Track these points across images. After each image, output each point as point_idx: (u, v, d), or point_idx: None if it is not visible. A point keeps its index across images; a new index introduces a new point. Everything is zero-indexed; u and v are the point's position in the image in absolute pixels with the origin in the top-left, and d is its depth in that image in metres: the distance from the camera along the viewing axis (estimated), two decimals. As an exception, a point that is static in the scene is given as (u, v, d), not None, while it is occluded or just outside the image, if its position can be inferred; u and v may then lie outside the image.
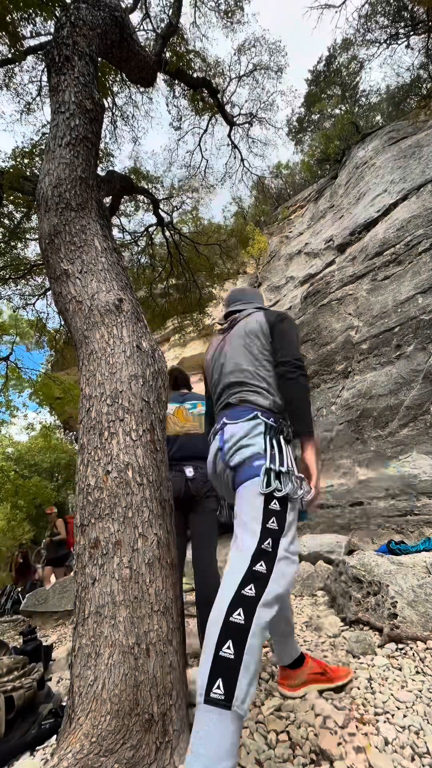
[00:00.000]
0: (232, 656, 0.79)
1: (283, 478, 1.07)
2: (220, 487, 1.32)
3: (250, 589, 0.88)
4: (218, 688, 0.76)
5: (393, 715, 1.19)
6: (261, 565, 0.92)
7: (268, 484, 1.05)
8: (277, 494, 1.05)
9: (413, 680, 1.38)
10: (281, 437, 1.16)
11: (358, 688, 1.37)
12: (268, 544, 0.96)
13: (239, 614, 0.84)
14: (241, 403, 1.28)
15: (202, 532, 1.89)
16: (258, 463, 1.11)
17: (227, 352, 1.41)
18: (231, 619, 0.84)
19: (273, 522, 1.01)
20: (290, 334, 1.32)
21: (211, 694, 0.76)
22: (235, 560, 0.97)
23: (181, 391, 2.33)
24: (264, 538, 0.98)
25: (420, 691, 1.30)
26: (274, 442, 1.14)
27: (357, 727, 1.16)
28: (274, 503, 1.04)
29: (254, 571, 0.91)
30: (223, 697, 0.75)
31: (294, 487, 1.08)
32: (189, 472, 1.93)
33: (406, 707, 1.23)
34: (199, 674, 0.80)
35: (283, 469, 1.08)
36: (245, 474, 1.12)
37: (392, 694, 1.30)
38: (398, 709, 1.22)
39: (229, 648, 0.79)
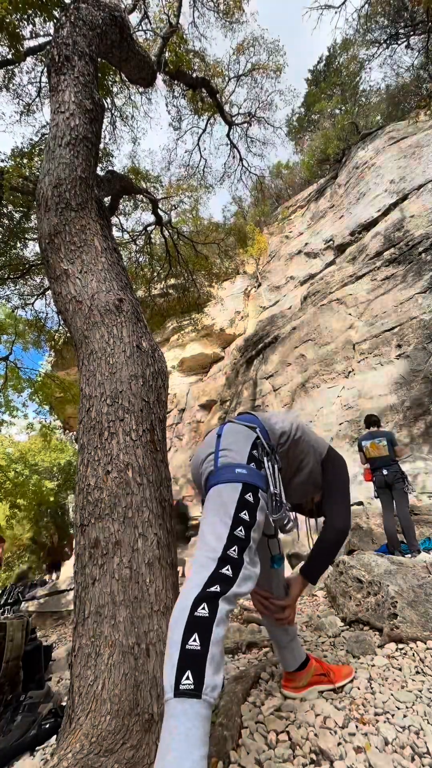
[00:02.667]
0: (199, 647, 0.80)
1: (270, 499, 1.09)
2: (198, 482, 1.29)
3: (216, 587, 0.90)
4: (187, 679, 0.76)
5: (393, 715, 1.19)
6: (227, 569, 0.92)
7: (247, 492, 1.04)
8: (274, 518, 1.09)
9: (413, 680, 1.38)
10: (270, 460, 1.16)
11: (358, 688, 1.37)
12: (234, 551, 0.95)
13: (203, 608, 0.86)
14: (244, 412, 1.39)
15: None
16: (240, 471, 1.08)
17: None
18: (196, 613, 0.85)
19: (240, 531, 0.98)
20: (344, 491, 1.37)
21: (181, 686, 0.76)
22: (201, 560, 0.97)
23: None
24: (230, 544, 0.96)
25: (420, 691, 1.30)
26: (266, 460, 1.14)
27: (357, 727, 1.16)
28: (245, 513, 1.01)
29: (220, 573, 0.92)
30: (192, 687, 0.75)
31: (278, 508, 1.10)
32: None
33: (406, 707, 1.23)
34: (165, 674, 0.81)
35: (275, 491, 1.10)
36: (223, 476, 1.08)
37: (392, 694, 1.30)
38: (398, 709, 1.22)
39: (195, 641, 0.81)
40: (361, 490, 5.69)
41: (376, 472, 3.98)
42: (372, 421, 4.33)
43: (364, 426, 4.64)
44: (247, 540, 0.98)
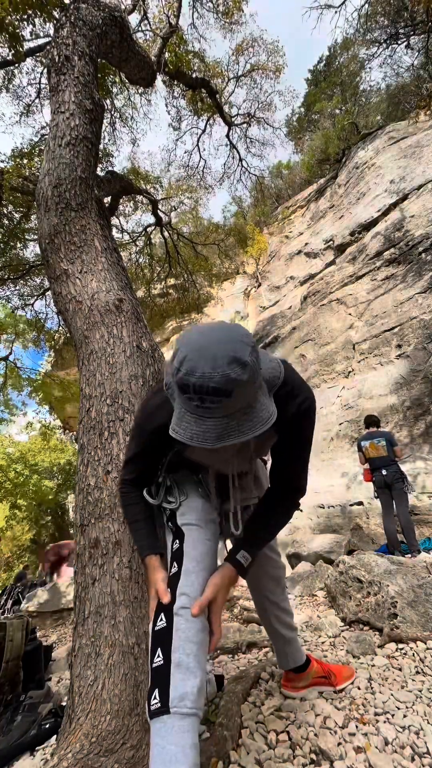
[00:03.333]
0: (162, 662, 0.76)
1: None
2: None
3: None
4: (154, 698, 0.73)
5: (393, 715, 1.19)
6: (174, 566, 0.92)
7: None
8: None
9: (413, 680, 1.38)
10: None
11: (358, 688, 1.37)
12: (176, 543, 0.96)
13: (161, 619, 0.82)
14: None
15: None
16: None
17: None
18: (156, 628, 0.82)
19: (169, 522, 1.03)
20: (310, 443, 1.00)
21: (151, 708, 0.72)
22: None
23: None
24: (173, 540, 0.98)
25: (420, 691, 1.30)
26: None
27: (357, 727, 1.16)
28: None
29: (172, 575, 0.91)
30: (159, 704, 0.71)
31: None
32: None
33: (406, 707, 1.23)
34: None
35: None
36: None
37: (392, 694, 1.30)
38: (398, 709, 1.22)
39: (158, 656, 0.77)
40: (361, 490, 5.69)
41: (375, 472, 3.99)
42: (371, 421, 4.34)
43: (363, 426, 4.64)
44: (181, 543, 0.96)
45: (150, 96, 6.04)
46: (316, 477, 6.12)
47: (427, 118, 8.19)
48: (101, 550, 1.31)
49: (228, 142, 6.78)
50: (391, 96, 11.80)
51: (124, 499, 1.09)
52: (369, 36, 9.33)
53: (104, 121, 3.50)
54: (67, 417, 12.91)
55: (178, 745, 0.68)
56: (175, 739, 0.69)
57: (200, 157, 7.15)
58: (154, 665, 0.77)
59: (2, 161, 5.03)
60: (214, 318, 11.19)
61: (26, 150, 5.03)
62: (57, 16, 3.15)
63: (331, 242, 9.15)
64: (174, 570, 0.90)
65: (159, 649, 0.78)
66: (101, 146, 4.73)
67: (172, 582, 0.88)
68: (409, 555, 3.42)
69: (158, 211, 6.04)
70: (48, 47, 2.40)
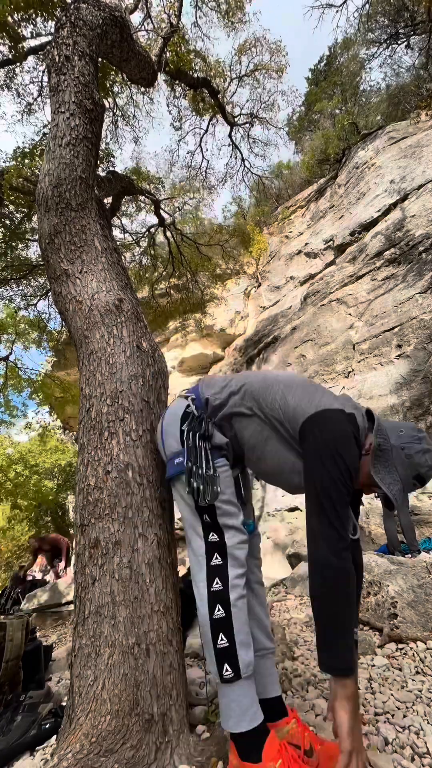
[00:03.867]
0: (227, 644, 0.95)
1: (205, 483, 1.03)
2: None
3: (217, 583, 0.99)
4: (226, 670, 0.94)
5: (393, 715, 1.19)
6: (216, 558, 1.02)
7: (193, 492, 1.03)
8: (202, 504, 1.04)
9: (413, 680, 1.38)
10: (197, 432, 1.08)
11: (358, 688, 1.37)
12: (213, 535, 1.04)
13: (218, 610, 0.97)
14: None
15: None
16: (178, 460, 1.11)
17: None
18: (214, 616, 0.97)
19: (206, 517, 1.07)
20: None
21: (224, 676, 0.94)
22: (194, 563, 1.08)
23: None
24: (207, 533, 1.06)
25: (420, 691, 1.30)
26: (190, 435, 1.08)
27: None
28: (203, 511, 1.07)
29: (212, 566, 1.01)
30: (232, 675, 0.94)
31: (215, 492, 1.03)
32: None
33: (406, 707, 1.23)
34: (209, 664, 0.99)
35: (207, 473, 1.03)
36: (171, 469, 1.14)
37: (392, 694, 1.30)
38: (398, 709, 1.22)
39: (222, 639, 0.96)
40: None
41: None
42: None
43: None
44: (215, 525, 1.04)
45: (153, 94, 6.04)
46: (316, 477, 6.08)
47: (427, 118, 8.18)
48: (101, 550, 1.31)
49: (230, 143, 6.78)
50: (391, 96, 11.78)
51: (348, 569, 0.85)
52: (369, 36, 9.33)
53: (106, 119, 3.50)
54: (67, 417, 12.91)
55: (253, 698, 0.96)
56: (250, 693, 0.95)
57: (203, 157, 7.11)
58: (220, 646, 0.95)
59: (3, 161, 5.03)
60: (215, 317, 11.18)
61: (27, 150, 5.03)
62: (58, 15, 3.15)
63: (331, 242, 9.14)
64: (218, 562, 1.01)
65: (221, 633, 0.96)
66: (103, 146, 4.73)
67: (217, 569, 1.00)
68: (409, 555, 3.42)
69: (161, 211, 6.04)
70: (48, 47, 2.39)
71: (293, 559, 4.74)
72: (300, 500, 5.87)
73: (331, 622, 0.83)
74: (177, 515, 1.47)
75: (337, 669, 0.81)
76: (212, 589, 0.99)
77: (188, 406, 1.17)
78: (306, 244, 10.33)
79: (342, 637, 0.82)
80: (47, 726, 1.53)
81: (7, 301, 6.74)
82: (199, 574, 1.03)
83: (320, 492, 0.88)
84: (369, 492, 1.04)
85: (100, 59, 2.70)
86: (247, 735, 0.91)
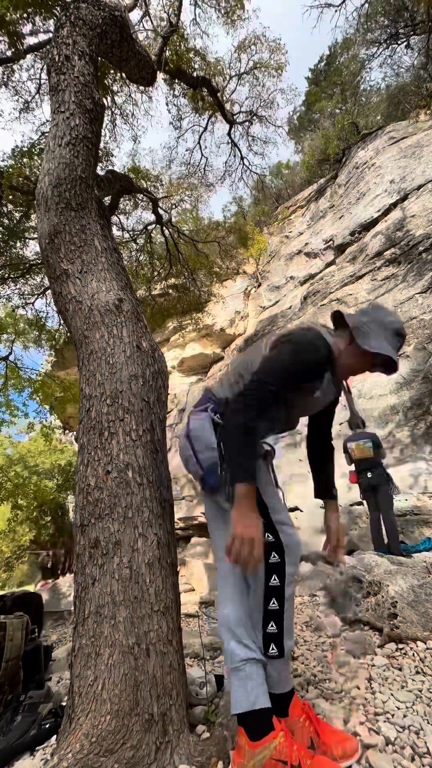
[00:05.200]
0: (276, 630, 1.08)
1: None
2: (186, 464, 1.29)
3: (275, 579, 1.08)
4: (272, 649, 1.07)
5: (393, 715, 1.19)
6: (274, 557, 1.09)
7: (228, 496, 1.11)
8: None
9: (413, 680, 1.38)
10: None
11: (358, 688, 1.37)
12: (269, 536, 1.09)
13: (273, 603, 1.08)
14: (204, 391, 1.34)
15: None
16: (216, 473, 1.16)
17: None
18: (269, 608, 1.08)
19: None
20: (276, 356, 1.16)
21: (270, 653, 1.07)
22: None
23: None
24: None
25: (420, 691, 1.30)
26: (221, 443, 1.15)
27: (357, 727, 1.16)
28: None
29: (270, 563, 1.08)
30: (277, 653, 1.07)
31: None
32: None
33: (406, 707, 1.23)
34: (256, 639, 1.10)
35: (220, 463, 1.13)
36: (211, 481, 1.16)
37: (392, 694, 1.30)
38: (398, 709, 1.22)
39: (272, 626, 1.08)
40: (358, 491, 5.69)
41: (361, 474, 3.92)
42: (357, 422, 4.29)
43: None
44: (269, 524, 1.09)
45: (151, 93, 6.02)
46: (315, 477, 6.09)
47: (427, 118, 8.18)
48: (101, 550, 1.31)
49: (229, 140, 6.77)
50: (391, 96, 11.77)
51: (252, 429, 1.06)
52: (369, 36, 9.31)
53: (105, 118, 3.50)
54: (67, 417, 12.90)
55: (290, 672, 1.17)
56: (288, 668, 1.15)
57: (202, 154, 7.09)
58: (269, 631, 1.08)
59: (2, 160, 5.02)
60: (215, 317, 11.18)
61: (26, 149, 5.02)
62: (57, 13, 3.14)
63: (331, 242, 9.14)
64: (275, 560, 1.09)
65: (272, 621, 1.08)
66: (102, 145, 4.72)
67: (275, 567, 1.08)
68: (406, 552, 3.41)
69: (159, 209, 6.03)
70: (48, 47, 2.39)
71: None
72: (299, 500, 5.87)
73: (233, 453, 1.07)
74: (177, 515, 1.47)
75: (236, 479, 1.03)
76: (270, 584, 1.08)
77: (212, 418, 1.20)
78: (306, 244, 10.32)
79: (242, 461, 1.04)
80: (47, 726, 1.53)
81: (5, 300, 6.73)
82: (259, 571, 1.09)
83: (249, 388, 1.09)
84: (373, 371, 1.19)
85: (100, 58, 2.69)
86: (261, 712, 1.01)
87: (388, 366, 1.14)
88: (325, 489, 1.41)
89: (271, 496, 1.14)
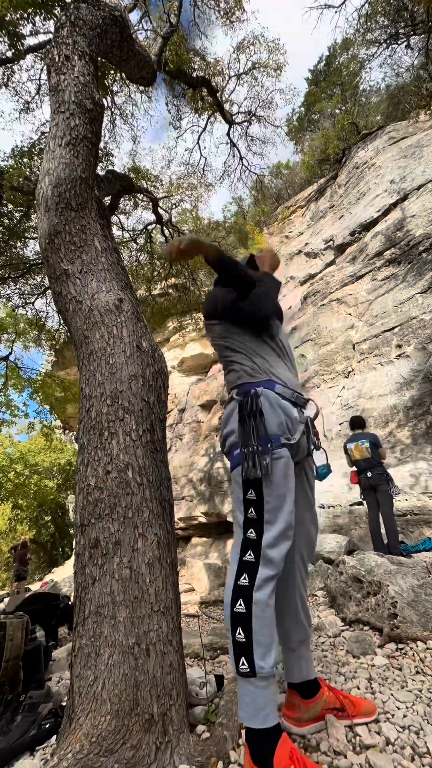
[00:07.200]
0: (244, 639, 0.96)
1: (255, 459, 1.07)
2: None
3: (244, 578, 1.01)
4: (243, 664, 0.95)
5: (393, 715, 1.19)
6: (249, 555, 1.04)
7: (246, 471, 1.08)
8: (251, 476, 1.06)
9: (413, 680, 1.38)
10: (247, 413, 1.15)
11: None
12: (251, 533, 1.06)
13: (240, 604, 0.99)
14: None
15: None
16: (237, 451, 1.15)
17: None
18: (235, 609, 0.99)
19: (251, 512, 1.08)
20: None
21: (240, 669, 0.96)
22: (232, 554, 1.10)
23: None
24: (246, 528, 1.07)
25: (420, 691, 1.30)
26: (245, 423, 1.14)
27: (357, 726, 1.16)
28: (251, 493, 1.09)
29: (244, 561, 1.03)
30: (248, 670, 0.95)
31: (261, 464, 1.07)
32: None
33: (406, 707, 1.23)
34: (229, 653, 1.05)
35: (253, 449, 1.08)
36: (233, 461, 1.17)
37: (392, 694, 1.30)
38: (398, 709, 1.22)
39: (239, 633, 0.97)
40: (357, 491, 5.69)
41: (361, 474, 3.95)
42: (357, 422, 4.29)
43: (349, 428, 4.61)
44: (260, 517, 1.05)
45: (151, 93, 6.02)
46: (315, 477, 6.09)
47: (427, 118, 8.18)
48: (101, 550, 1.31)
49: (228, 140, 6.77)
50: (391, 96, 11.77)
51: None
52: (369, 36, 9.30)
53: (105, 118, 3.49)
54: (67, 417, 12.90)
55: (269, 699, 0.97)
56: (267, 694, 0.96)
57: (201, 154, 7.13)
58: (237, 639, 0.97)
59: (2, 160, 5.02)
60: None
61: (26, 149, 5.02)
62: (57, 14, 3.14)
63: (331, 242, 9.14)
64: (250, 558, 1.04)
65: (239, 627, 0.97)
66: (102, 145, 4.72)
67: (247, 566, 1.03)
68: (406, 554, 3.41)
69: (159, 209, 6.03)
70: (48, 47, 2.39)
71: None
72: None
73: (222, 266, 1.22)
74: (177, 515, 1.48)
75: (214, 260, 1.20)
76: (244, 559, 1.02)
77: (235, 406, 1.21)
78: (306, 244, 10.32)
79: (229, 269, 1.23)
80: (47, 726, 1.53)
81: (5, 300, 6.73)
82: (232, 565, 1.07)
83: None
84: None
85: (100, 58, 2.69)
86: (258, 734, 0.94)
87: None
88: None
89: (279, 498, 1.07)
